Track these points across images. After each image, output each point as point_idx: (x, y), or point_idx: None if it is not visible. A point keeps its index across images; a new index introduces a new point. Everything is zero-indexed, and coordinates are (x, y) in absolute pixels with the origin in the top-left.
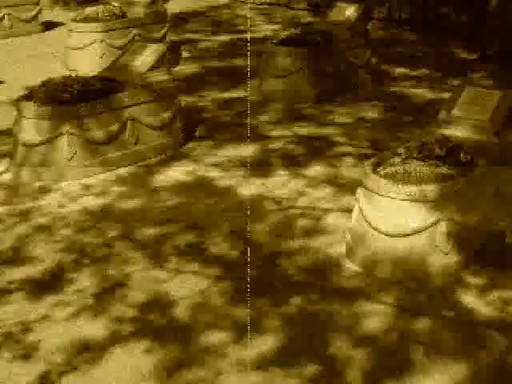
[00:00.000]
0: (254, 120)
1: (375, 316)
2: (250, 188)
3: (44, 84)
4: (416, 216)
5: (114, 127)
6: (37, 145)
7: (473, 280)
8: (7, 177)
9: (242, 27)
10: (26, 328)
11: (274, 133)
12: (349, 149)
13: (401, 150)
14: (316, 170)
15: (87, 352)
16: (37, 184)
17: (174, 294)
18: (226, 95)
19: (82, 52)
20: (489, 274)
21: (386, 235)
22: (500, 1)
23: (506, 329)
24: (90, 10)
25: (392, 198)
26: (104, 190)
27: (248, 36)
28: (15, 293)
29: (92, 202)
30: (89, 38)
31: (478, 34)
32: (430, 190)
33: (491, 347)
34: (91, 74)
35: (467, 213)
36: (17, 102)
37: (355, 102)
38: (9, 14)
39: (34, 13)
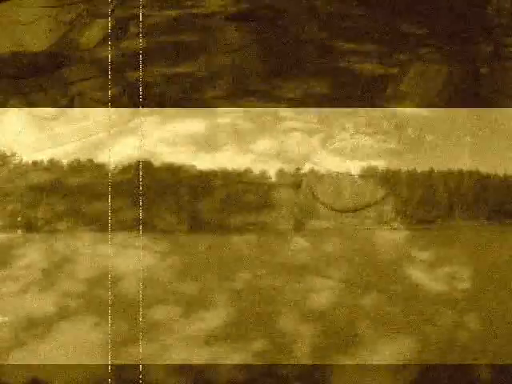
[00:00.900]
0: (202, 95)
1: (323, 291)
2: (198, 163)
3: None
4: (364, 191)
5: (62, 102)
6: None
7: (420, 255)
8: None
9: (190, 2)
10: None
11: (223, 108)
12: (297, 124)
13: (349, 126)
14: (264, 145)
15: (35, 327)
16: None
17: (122, 269)
18: (174, 70)
19: (30, 27)
20: (437, 250)
21: (335, 210)
22: None
23: (453, 304)
24: None
25: (340, 173)
26: (52, 165)
27: (196, 11)
28: None
29: (40, 177)
30: (36, 12)
31: (426, 9)
32: (379, 165)
33: (439, 322)
34: (39, 49)
35: (415, 188)
36: None
37: (304, 77)
38: None
39: None
